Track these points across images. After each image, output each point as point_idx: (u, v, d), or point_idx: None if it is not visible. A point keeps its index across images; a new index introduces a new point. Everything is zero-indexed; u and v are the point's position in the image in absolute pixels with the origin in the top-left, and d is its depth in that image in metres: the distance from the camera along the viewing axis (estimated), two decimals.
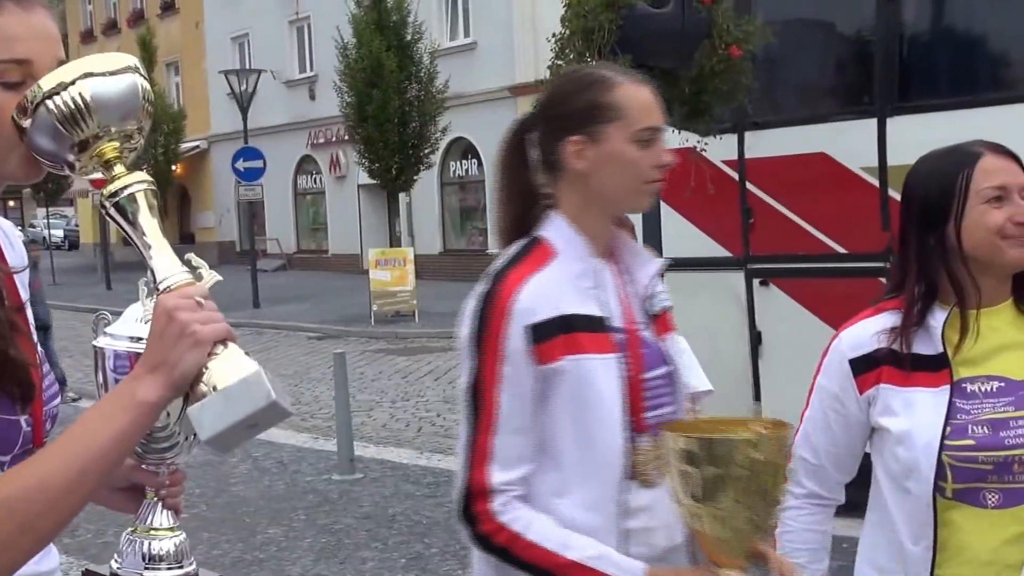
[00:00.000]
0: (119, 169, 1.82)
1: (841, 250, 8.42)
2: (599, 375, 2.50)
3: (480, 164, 32.39)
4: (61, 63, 1.82)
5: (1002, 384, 2.68)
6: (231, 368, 1.71)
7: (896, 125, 8.15)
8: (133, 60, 1.84)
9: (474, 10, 32.31)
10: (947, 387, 2.66)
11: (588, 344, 2.50)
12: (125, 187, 1.80)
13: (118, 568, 2.09)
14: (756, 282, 8.85)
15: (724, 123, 8.64)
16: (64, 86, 1.76)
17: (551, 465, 2.51)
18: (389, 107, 25.11)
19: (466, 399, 2.53)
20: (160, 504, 2.09)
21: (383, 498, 9.50)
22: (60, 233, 58.99)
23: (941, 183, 2.71)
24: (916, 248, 2.74)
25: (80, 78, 1.76)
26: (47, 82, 1.76)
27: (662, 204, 8.16)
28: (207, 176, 44.33)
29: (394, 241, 27.16)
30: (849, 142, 8.35)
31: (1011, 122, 6.94)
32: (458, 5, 33.00)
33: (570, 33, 7.93)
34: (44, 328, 12.98)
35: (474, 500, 2.48)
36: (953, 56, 8.43)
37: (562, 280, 2.54)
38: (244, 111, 28.67)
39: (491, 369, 2.49)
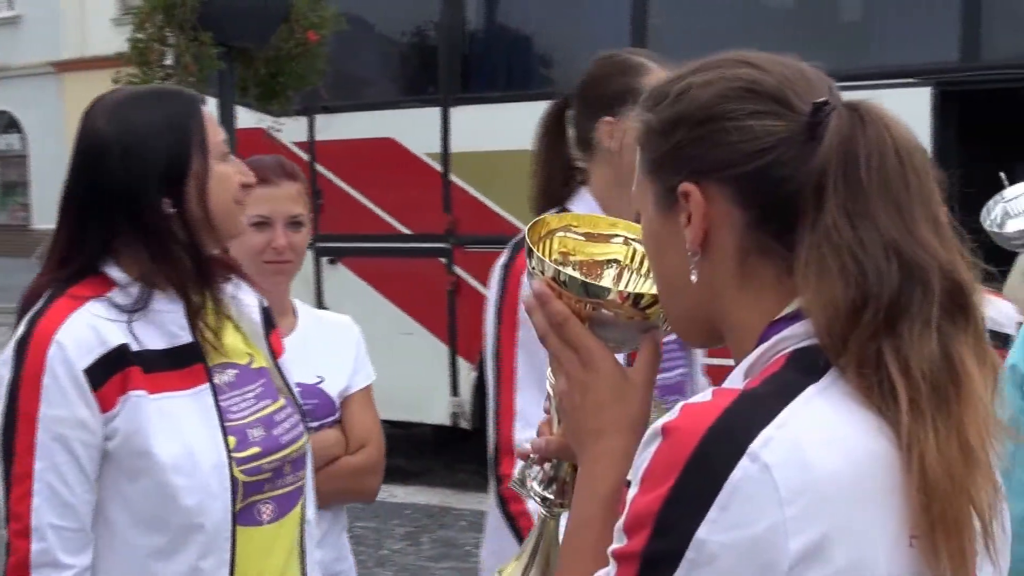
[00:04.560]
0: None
1: (406, 231, 8.50)
2: None
3: (23, 138, 30.47)
4: None
5: (237, 372, 2.17)
6: None
7: (459, 114, 8.27)
8: None
9: None
10: (207, 386, 2.09)
11: None
12: None
13: None
14: (324, 260, 8.79)
15: (297, 106, 8.48)
16: None
17: None
18: None
19: (490, 363, 2.59)
20: None
21: None
22: None
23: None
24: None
25: None
26: None
27: None
28: None
29: None
30: (415, 129, 8.42)
31: None
32: None
33: (151, 8, 7.45)
34: None
35: (502, 458, 2.53)
36: (511, 52, 8.69)
37: None
38: None
39: (509, 334, 2.55)
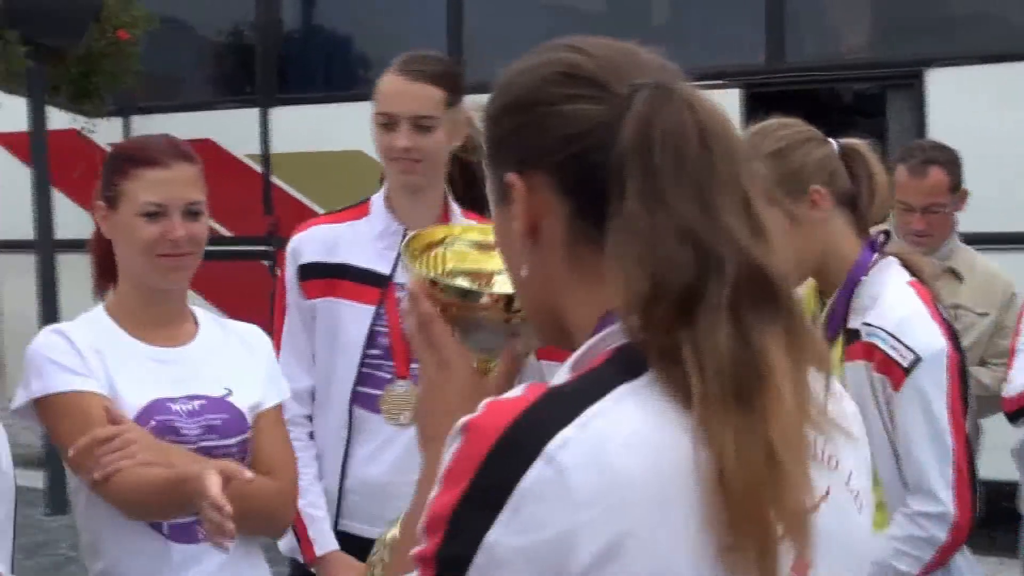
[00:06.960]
0: None
1: (227, 233, 8.29)
2: (348, 320, 2.76)
3: None
4: None
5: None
6: None
7: (278, 115, 8.13)
8: None
9: None
10: None
11: (347, 291, 2.76)
12: None
13: None
14: None
15: (112, 107, 8.19)
16: None
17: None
18: None
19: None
20: None
21: None
22: None
23: None
24: None
25: None
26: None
27: (52, 188, 7.60)
28: None
29: None
30: (234, 130, 8.26)
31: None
32: None
33: None
34: None
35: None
36: (329, 52, 8.61)
37: (357, 234, 2.80)
38: None
39: (280, 296, 2.86)
